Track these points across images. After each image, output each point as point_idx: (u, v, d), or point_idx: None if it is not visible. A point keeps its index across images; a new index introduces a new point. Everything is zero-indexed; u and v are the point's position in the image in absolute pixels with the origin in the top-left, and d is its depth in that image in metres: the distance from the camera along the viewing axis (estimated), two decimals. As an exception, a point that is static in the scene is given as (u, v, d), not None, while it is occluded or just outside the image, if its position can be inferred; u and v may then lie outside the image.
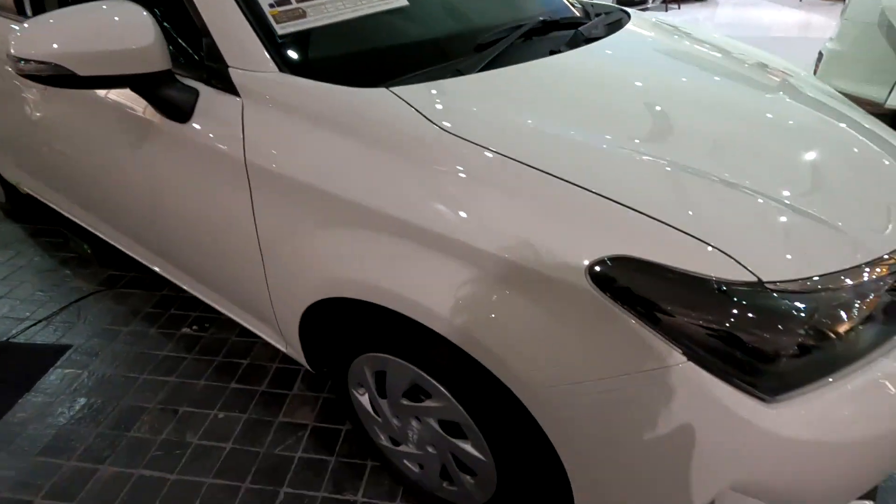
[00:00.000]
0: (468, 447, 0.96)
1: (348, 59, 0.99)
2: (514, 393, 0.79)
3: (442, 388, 0.91)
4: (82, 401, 1.50)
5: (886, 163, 0.91)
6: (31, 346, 1.69)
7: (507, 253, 0.72)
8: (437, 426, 1.00)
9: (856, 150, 0.93)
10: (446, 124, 0.81)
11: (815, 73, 3.56)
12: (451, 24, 1.17)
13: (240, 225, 1.03)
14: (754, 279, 0.66)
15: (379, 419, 1.15)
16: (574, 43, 1.16)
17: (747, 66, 1.25)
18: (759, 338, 0.65)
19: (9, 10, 1.50)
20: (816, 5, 8.83)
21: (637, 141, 0.82)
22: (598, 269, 0.68)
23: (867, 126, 1.05)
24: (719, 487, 0.72)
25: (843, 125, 1.01)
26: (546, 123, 0.83)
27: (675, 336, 0.66)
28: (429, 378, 0.92)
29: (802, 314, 0.66)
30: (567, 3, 1.50)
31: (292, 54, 0.95)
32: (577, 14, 1.43)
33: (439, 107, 0.84)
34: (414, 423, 1.06)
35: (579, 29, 1.23)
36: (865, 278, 0.70)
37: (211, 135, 0.98)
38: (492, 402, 0.85)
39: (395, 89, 0.87)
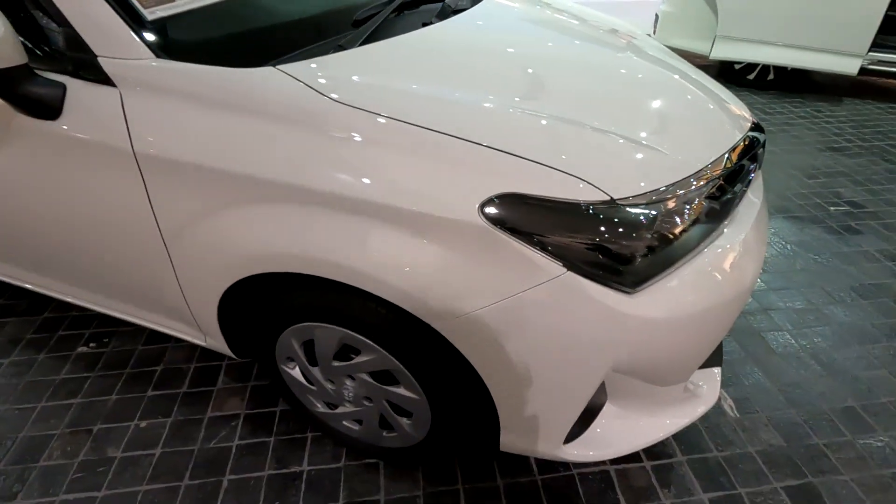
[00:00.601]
0: (401, 390, 1.06)
1: (226, 41, 0.99)
2: (434, 329, 0.90)
3: (370, 342, 1.00)
4: (-30, 444, 1.35)
5: (704, 103, 1.14)
6: None
7: (407, 204, 0.82)
8: (370, 379, 1.09)
9: (684, 95, 1.15)
10: (334, 95, 0.87)
11: (654, 32, 4.06)
12: (325, 1, 1.21)
13: (137, 220, 1.01)
14: (608, 198, 0.82)
15: (313, 387, 1.20)
16: (443, 14, 1.27)
17: (600, 31, 1.44)
18: (617, 244, 0.82)
19: None
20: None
21: (510, 98, 0.95)
22: (487, 208, 0.80)
23: (693, 76, 1.29)
24: (606, 370, 0.89)
25: (675, 76, 1.23)
26: (426, 88, 0.93)
27: (556, 253, 0.81)
28: (356, 335, 1.00)
29: (646, 222, 0.84)
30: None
31: (166, 39, 0.93)
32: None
33: (326, 80, 0.90)
34: (348, 381, 1.14)
35: (446, 1, 1.33)
36: (690, 188, 0.90)
37: (89, 129, 0.93)
38: (416, 342, 0.95)
39: (282, 67, 0.91)
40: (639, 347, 0.88)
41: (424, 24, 1.20)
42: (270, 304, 1.06)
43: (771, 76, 3.87)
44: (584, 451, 1.04)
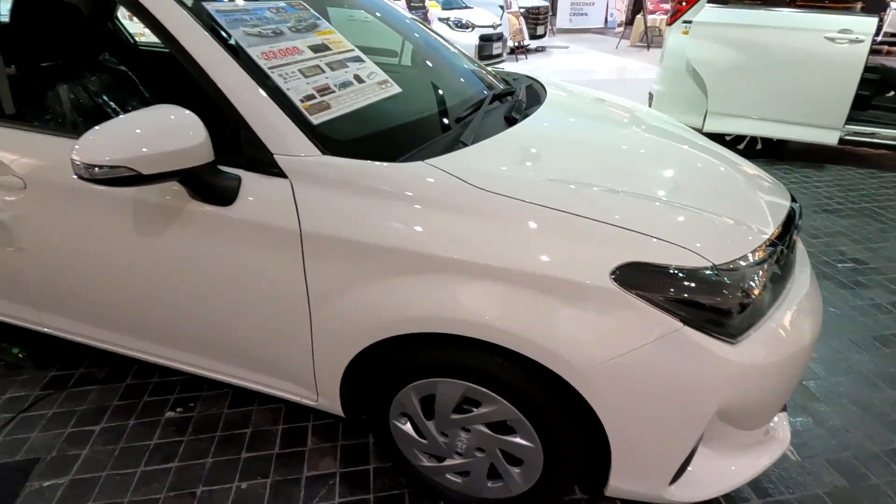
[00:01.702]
0: (517, 439, 1.18)
1: (370, 139, 1.19)
2: (562, 379, 1.04)
3: (494, 394, 1.12)
4: (78, 510, 1.39)
5: (757, 181, 1.37)
6: (-15, 469, 1.51)
7: (548, 271, 0.98)
8: (486, 430, 1.20)
9: (741, 175, 1.37)
10: (479, 184, 1.06)
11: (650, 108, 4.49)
12: (431, 104, 1.43)
13: (288, 291, 1.15)
14: (710, 264, 1.00)
15: (424, 441, 1.30)
16: (524, 112, 1.50)
17: (658, 122, 1.70)
18: (721, 301, 0.99)
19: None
20: (628, 52, 10.86)
21: (616, 182, 1.15)
22: (616, 274, 0.97)
23: (735, 159, 1.53)
24: (713, 413, 1.03)
25: (727, 161, 1.47)
26: (546, 176, 1.13)
27: (673, 310, 0.97)
28: (482, 388, 1.13)
29: (740, 282, 1.02)
30: (491, 76, 1.86)
31: (327, 139, 1.13)
32: (508, 85, 1.79)
33: (468, 172, 1.09)
34: (462, 433, 1.24)
35: (520, 100, 1.58)
36: (765, 253, 1.09)
37: (262, 213, 1.10)
38: (541, 393, 1.08)
39: (430, 161, 1.10)
40: (739, 391, 1.02)
41: (508, 120, 1.43)
42: (397, 364, 1.19)
43: (759, 146, 4.27)
44: (685, 492, 1.15)
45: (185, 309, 1.30)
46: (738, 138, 4.28)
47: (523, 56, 9.94)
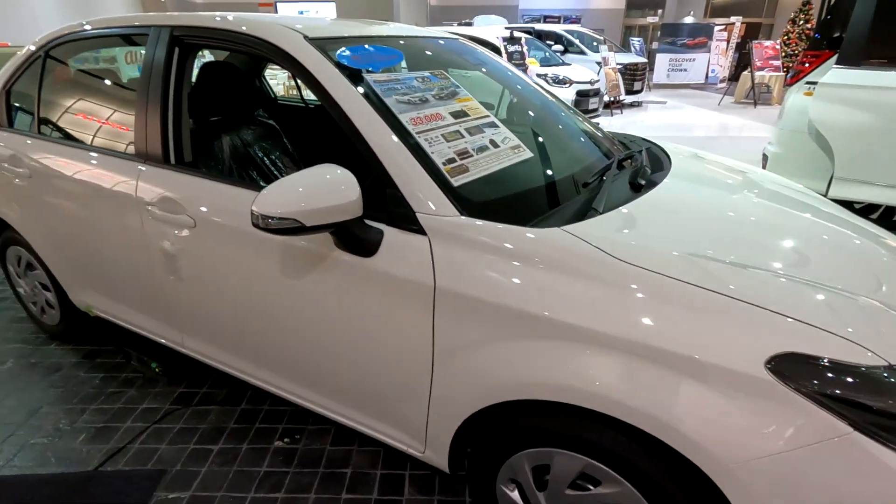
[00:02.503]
0: (637, 528, 1.09)
1: (503, 202, 1.23)
2: (699, 471, 0.96)
3: (619, 477, 1.06)
4: (195, 527, 1.48)
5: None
6: (122, 473, 1.67)
7: (690, 352, 0.93)
8: (604, 511, 1.13)
9: (888, 251, 1.24)
10: (622, 256, 1.04)
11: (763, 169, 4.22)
12: (558, 168, 1.47)
13: (415, 343, 1.19)
14: (886, 363, 0.90)
15: (531, 512, 1.25)
16: (648, 178, 1.48)
17: (785, 192, 1.61)
18: (894, 405, 0.88)
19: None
20: (731, 108, 10.41)
21: (757, 260, 1.09)
22: (772, 364, 0.90)
23: (871, 229, 1.39)
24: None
25: (872, 234, 1.34)
26: (685, 250, 1.09)
27: (841, 412, 0.87)
28: (605, 468, 1.07)
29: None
30: (609, 139, 1.86)
31: (465, 200, 1.18)
32: (627, 148, 1.79)
33: (605, 241, 1.08)
34: (575, 511, 1.18)
35: (644, 166, 1.56)
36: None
37: (400, 266, 1.17)
38: (672, 484, 1.00)
39: (567, 228, 1.11)
40: None
41: (634, 186, 1.41)
42: (514, 427, 1.17)
43: (896, 217, 3.83)
44: None
45: (315, 346, 1.39)
46: (871, 207, 3.88)
47: (618, 111, 9.88)
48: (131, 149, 1.68)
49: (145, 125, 1.61)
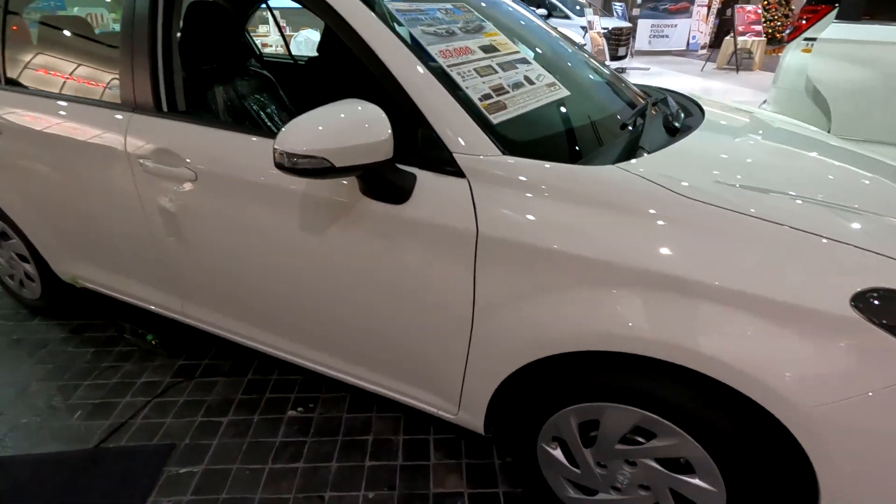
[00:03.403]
0: (695, 480, 1.04)
1: (545, 141, 1.13)
2: (770, 418, 0.91)
3: (676, 427, 1.00)
4: (215, 500, 1.40)
5: None
6: (127, 449, 1.56)
7: (768, 292, 0.86)
8: (657, 465, 1.08)
9: None
10: (691, 195, 0.96)
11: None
12: (595, 108, 1.36)
13: (454, 298, 1.10)
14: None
15: (576, 471, 1.19)
16: (683, 122, 1.39)
17: (812, 132, 1.54)
18: None
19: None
20: (714, 74, 10.37)
21: (817, 194, 1.02)
22: (859, 301, 0.84)
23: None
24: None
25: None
26: (752, 188, 1.01)
27: None
28: (661, 419, 1.01)
29: None
30: (637, 89, 1.76)
31: (506, 139, 1.08)
32: (660, 95, 1.69)
33: (669, 180, 0.99)
34: (626, 467, 1.13)
35: (676, 111, 1.47)
36: None
37: (437, 213, 1.06)
38: (737, 431, 0.95)
39: (622, 166, 1.02)
40: None
41: (669, 130, 1.32)
42: (558, 384, 1.10)
43: (889, 174, 3.86)
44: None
45: (337, 306, 1.29)
46: (865, 165, 3.89)
47: (604, 77, 9.73)
48: (116, 98, 1.51)
49: (132, 70, 1.44)
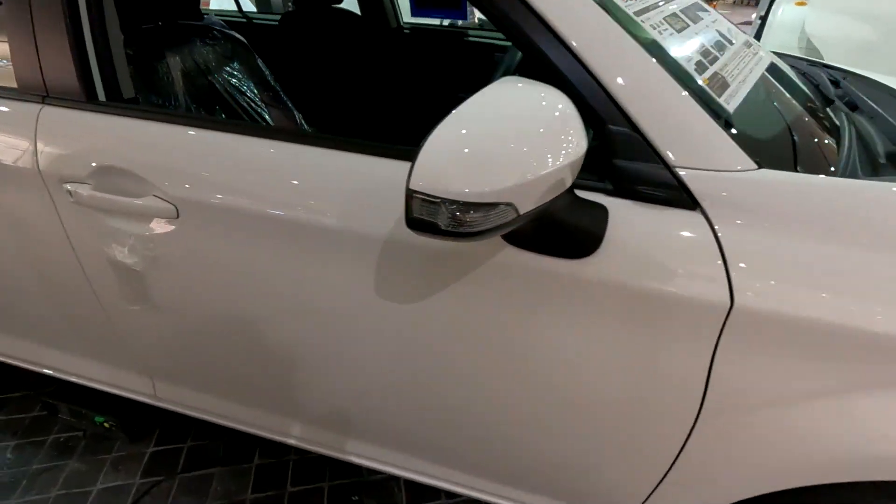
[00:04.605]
0: None
1: (784, 141, 0.71)
2: None
3: None
4: None
5: None
6: None
7: None
8: None
9: None
10: None
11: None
12: (807, 96, 0.93)
13: (667, 391, 0.68)
14: None
15: None
16: None
17: None
18: None
19: None
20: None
21: None
22: None
23: None
24: None
25: None
26: None
27: None
28: None
29: None
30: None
31: (752, 140, 0.65)
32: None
33: None
34: None
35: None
36: None
37: (650, 271, 0.62)
38: None
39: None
40: None
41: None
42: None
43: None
44: None
45: (453, 403, 0.83)
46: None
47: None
48: (7, 81, 0.90)
49: (32, 28, 0.84)
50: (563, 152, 0.52)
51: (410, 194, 0.50)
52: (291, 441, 1.08)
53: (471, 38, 1.99)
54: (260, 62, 1.42)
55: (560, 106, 0.54)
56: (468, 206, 0.49)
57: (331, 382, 0.90)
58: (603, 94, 0.61)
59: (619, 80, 0.61)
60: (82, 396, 1.41)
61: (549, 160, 0.50)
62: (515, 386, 0.76)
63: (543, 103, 0.53)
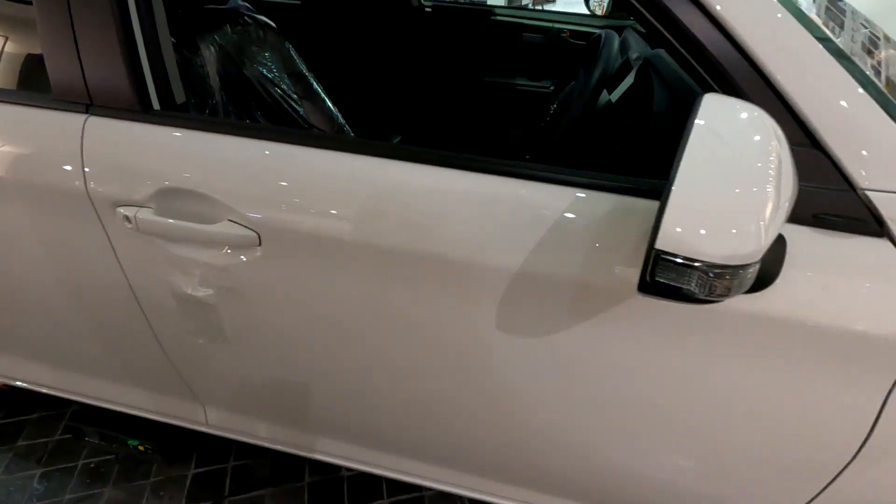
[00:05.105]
0: None
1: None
2: None
3: None
4: None
5: None
6: None
7: None
8: None
9: None
10: None
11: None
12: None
13: (825, 424, 0.63)
14: None
15: None
16: None
17: None
18: None
19: None
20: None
21: None
22: None
23: None
24: None
25: None
26: None
27: None
28: None
29: None
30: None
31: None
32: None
33: None
34: None
35: None
36: None
37: (831, 306, 0.56)
38: None
39: None
40: None
41: None
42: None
43: None
44: None
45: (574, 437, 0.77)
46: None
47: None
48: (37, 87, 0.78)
49: (72, 28, 0.71)
50: (793, 189, 0.45)
51: (657, 256, 0.42)
52: (354, 464, 1.01)
53: (497, 18, 1.88)
54: (292, 50, 1.29)
55: (778, 133, 0.46)
56: (726, 269, 0.42)
57: (446, 422, 0.83)
58: (786, 104, 0.54)
59: (802, 90, 0.54)
60: (109, 419, 1.31)
61: (788, 204, 0.44)
62: (695, 426, 0.70)
63: (763, 130, 0.45)
